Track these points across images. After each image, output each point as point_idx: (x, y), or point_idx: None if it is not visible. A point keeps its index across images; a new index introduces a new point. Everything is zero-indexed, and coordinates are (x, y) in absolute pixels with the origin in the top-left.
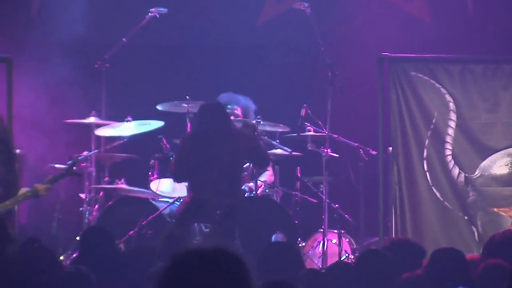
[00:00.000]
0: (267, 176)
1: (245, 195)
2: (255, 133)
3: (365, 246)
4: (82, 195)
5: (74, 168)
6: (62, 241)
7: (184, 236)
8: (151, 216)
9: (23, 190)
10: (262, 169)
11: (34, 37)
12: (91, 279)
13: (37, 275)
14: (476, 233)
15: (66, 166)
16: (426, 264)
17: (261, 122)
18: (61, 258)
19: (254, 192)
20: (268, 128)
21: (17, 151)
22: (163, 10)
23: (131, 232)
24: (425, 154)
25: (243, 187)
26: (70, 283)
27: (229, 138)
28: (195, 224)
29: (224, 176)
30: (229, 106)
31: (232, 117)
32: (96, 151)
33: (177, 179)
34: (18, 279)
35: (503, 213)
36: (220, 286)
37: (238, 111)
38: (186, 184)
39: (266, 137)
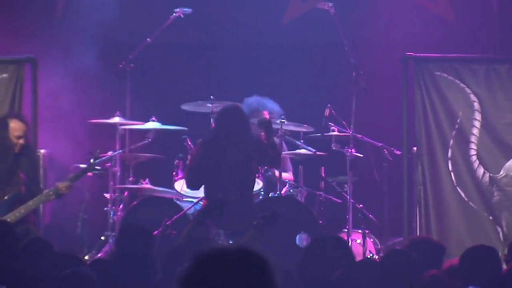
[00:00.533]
0: (289, 177)
1: (270, 195)
2: (270, 130)
3: (389, 246)
4: (107, 195)
5: (95, 163)
6: (86, 241)
7: (204, 236)
8: (175, 216)
9: (46, 191)
10: (273, 168)
11: (58, 37)
12: (92, 281)
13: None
14: (501, 233)
15: (88, 164)
16: (457, 261)
17: (285, 122)
18: (86, 258)
19: (278, 192)
20: (292, 128)
21: (42, 151)
22: (188, 10)
23: (155, 232)
24: (449, 154)
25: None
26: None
27: (242, 144)
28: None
29: (235, 182)
30: (256, 110)
31: (265, 116)
32: (120, 151)
33: (189, 187)
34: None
35: None
36: (243, 286)
37: (266, 115)
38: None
39: (290, 137)
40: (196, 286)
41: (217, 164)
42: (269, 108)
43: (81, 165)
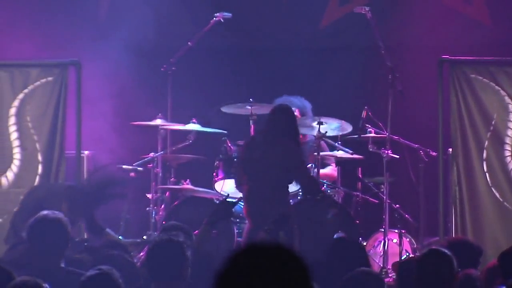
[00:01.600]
0: (330, 170)
1: (307, 196)
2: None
3: (425, 245)
4: (149, 195)
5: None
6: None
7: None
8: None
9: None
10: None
11: (101, 41)
12: (115, 278)
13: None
14: None
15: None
16: (496, 263)
17: (323, 124)
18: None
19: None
20: (329, 129)
21: (86, 152)
22: (228, 14)
23: (196, 232)
24: (484, 155)
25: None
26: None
27: (287, 145)
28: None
29: (275, 184)
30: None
31: (296, 114)
32: (162, 152)
33: (237, 187)
34: None
35: None
36: (279, 283)
37: (297, 113)
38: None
39: (327, 138)
40: (231, 281)
41: (256, 166)
42: (298, 105)
43: (124, 166)
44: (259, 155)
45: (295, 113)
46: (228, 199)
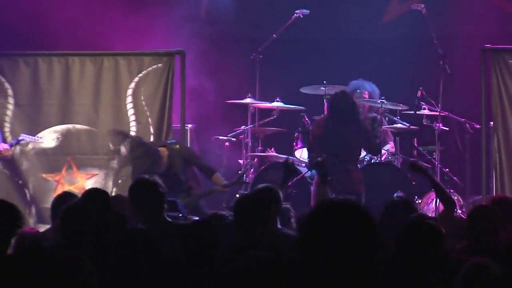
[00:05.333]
0: (388, 147)
1: (372, 162)
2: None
3: (470, 203)
4: (240, 161)
5: (243, 179)
6: (225, 200)
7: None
8: (295, 178)
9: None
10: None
11: (202, 33)
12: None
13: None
14: None
15: (236, 178)
16: None
17: (385, 102)
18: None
19: (378, 159)
20: (390, 107)
21: (189, 125)
22: (306, 11)
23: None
24: None
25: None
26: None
27: (353, 124)
28: None
29: (347, 154)
30: (358, 91)
31: (365, 94)
32: (251, 126)
33: (310, 160)
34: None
35: None
36: (351, 234)
37: (366, 95)
38: None
39: (388, 114)
40: (312, 230)
41: (332, 138)
42: (369, 89)
43: (220, 137)
44: (331, 133)
45: (364, 95)
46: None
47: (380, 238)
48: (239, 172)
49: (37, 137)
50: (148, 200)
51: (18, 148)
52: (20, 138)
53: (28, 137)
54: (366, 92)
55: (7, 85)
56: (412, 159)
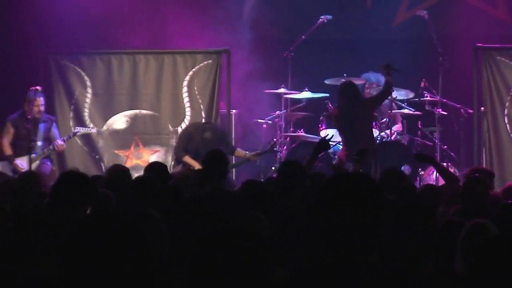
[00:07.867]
0: (397, 128)
1: (384, 140)
2: (390, 71)
3: (464, 173)
4: (275, 140)
5: (275, 148)
6: (263, 169)
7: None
8: (320, 154)
9: (241, 152)
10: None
11: (244, 33)
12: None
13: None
14: None
15: (268, 147)
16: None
17: (394, 91)
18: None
19: (389, 138)
20: (398, 95)
21: (234, 111)
22: (329, 17)
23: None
24: (505, 112)
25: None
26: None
27: (360, 107)
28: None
29: (362, 134)
30: (368, 81)
31: (374, 85)
32: (284, 111)
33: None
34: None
35: None
36: (358, 201)
37: (374, 85)
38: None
39: (397, 100)
40: (326, 198)
41: (346, 122)
42: (378, 80)
43: (259, 120)
44: (346, 114)
45: (373, 85)
46: (326, 138)
47: (385, 201)
48: (270, 143)
49: (90, 127)
50: (219, 166)
51: (95, 129)
52: (75, 130)
53: (82, 129)
54: (375, 84)
55: (86, 78)
56: (415, 152)
